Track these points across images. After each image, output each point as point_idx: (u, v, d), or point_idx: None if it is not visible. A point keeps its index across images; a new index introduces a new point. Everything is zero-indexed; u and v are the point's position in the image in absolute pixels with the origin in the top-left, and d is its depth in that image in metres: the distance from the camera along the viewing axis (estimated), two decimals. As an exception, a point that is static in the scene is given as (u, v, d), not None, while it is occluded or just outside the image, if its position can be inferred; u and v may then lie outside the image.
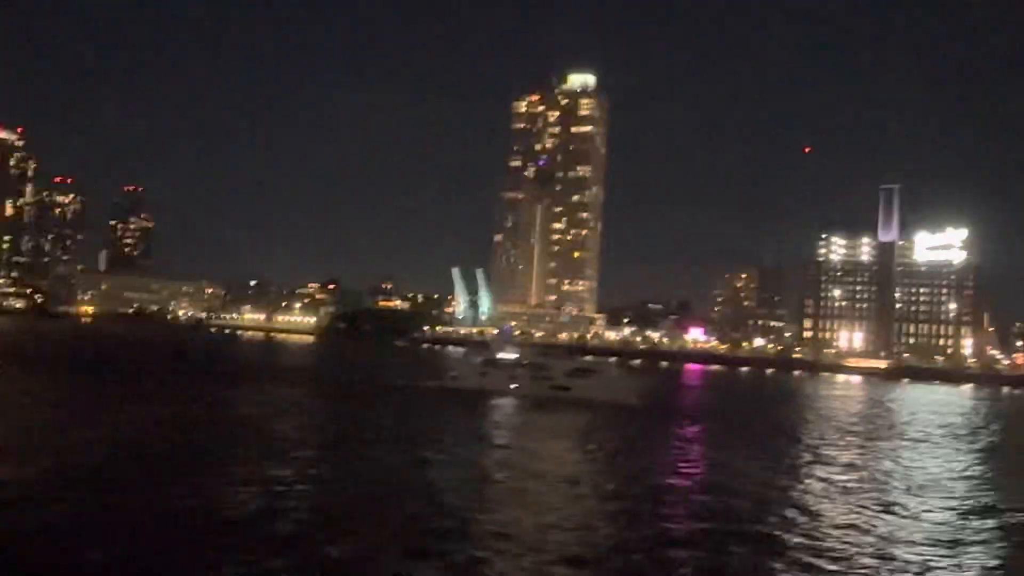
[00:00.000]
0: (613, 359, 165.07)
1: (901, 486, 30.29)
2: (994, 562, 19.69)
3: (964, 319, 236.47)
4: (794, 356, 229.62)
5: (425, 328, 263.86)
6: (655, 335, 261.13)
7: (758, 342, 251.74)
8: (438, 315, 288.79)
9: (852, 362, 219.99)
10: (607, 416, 48.06)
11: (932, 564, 18.76)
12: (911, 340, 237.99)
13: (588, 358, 66.77)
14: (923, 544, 21.01)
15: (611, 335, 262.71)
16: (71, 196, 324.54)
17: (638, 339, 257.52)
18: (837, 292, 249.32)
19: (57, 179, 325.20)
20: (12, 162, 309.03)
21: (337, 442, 35.23)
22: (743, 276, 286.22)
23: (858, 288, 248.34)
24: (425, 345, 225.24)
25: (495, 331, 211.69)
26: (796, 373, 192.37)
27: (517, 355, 63.88)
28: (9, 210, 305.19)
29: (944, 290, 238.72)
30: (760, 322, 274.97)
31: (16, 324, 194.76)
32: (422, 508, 21.68)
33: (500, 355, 63.60)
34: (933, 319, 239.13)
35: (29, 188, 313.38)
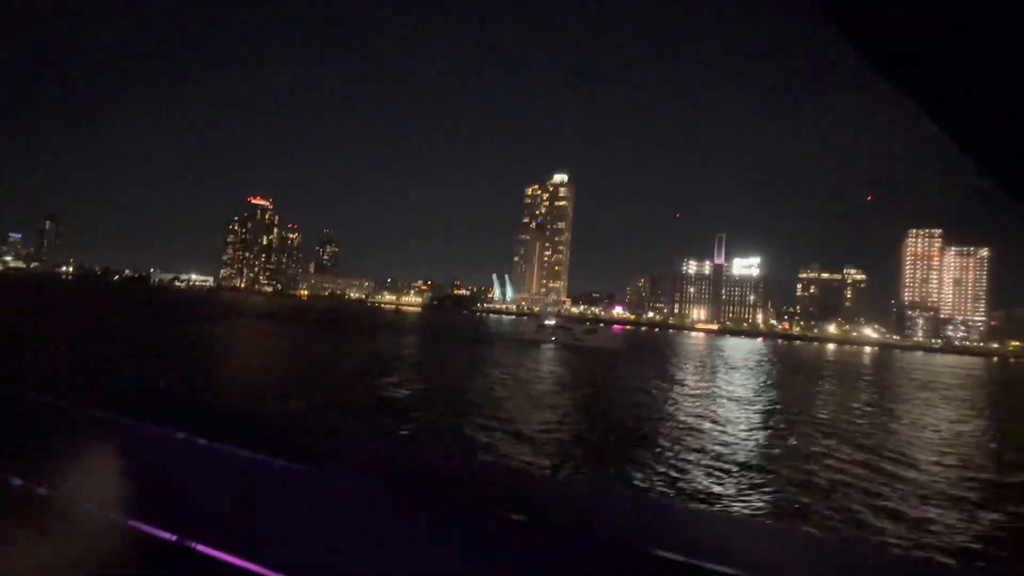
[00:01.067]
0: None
1: (722, 390, 34.96)
2: (760, 423, 23.65)
3: (757, 303, 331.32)
4: (669, 322, 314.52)
5: (478, 305, 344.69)
6: (596, 310, 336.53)
7: (650, 315, 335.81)
8: (484, 298, 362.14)
9: (699, 326, 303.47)
10: (598, 355, 55.72)
11: (735, 421, 23.29)
12: (730, 315, 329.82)
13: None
14: (731, 413, 25.66)
15: (573, 310, 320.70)
16: (296, 234, 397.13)
17: (587, 312, 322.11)
18: (692, 289, 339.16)
19: (289, 224, 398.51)
20: (266, 216, 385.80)
21: (439, 362, 40.20)
22: (642, 280, 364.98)
23: (703, 287, 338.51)
24: (478, 314, 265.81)
25: (535, 307, 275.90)
26: (670, 331, 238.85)
27: (554, 321, 75.93)
28: (265, 241, 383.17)
29: (747, 288, 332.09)
30: (650, 304, 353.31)
31: (268, 300, 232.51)
32: (475, 397, 24.59)
33: (545, 321, 75.05)
34: (742, 303, 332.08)
35: (276, 231, 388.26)
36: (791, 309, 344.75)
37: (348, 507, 0.67)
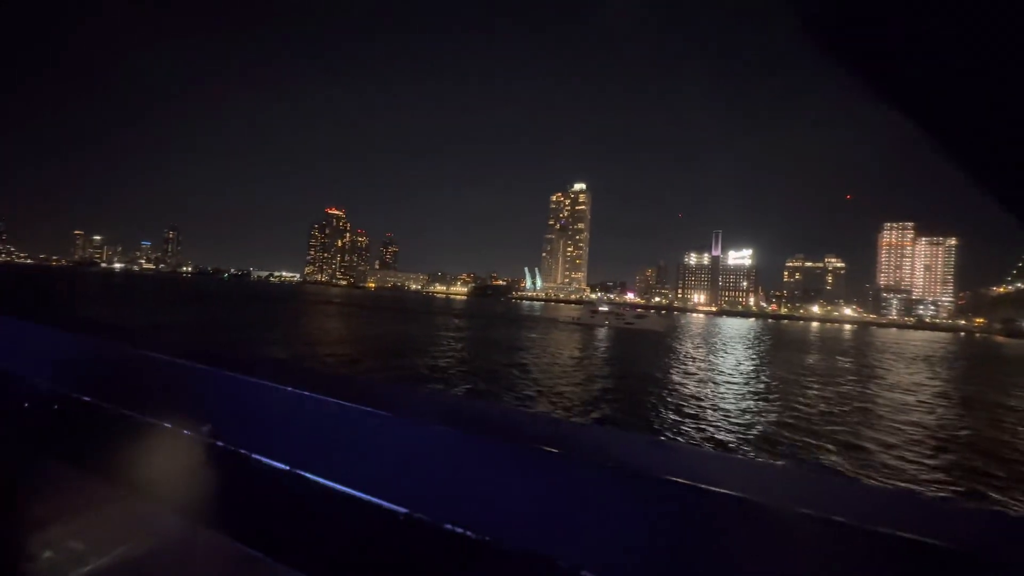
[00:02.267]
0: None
1: (719, 362, 33.25)
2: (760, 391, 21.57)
3: (749, 288, 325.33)
4: (674, 305, 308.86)
5: (512, 293, 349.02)
6: (611, 295, 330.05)
7: (656, 299, 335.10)
8: (517, 287, 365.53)
9: (700, 308, 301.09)
10: (649, 335, 53.58)
11: (729, 389, 21.84)
12: (726, 298, 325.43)
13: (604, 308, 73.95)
14: (725, 383, 23.89)
15: (592, 296, 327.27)
16: (364, 238, 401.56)
17: (604, 298, 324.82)
18: (692, 277, 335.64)
19: (358, 231, 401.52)
20: (340, 223, 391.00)
21: (481, 341, 37.62)
22: (649, 270, 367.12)
23: (702, 275, 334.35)
24: (513, 301, 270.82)
25: (560, 295, 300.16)
26: (674, 313, 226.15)
27: (607, 307, 73.64)
28: (339, 244, 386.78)
29: (740, 275, 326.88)
30: (656, 290, 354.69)
31: (344, 291, 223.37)
32: (513, 372, 23.14)
33: (599, 307, 71.97)
34: (736, 288, 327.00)
35: (348, 235, 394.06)
36: (778, 293, 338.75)
37: (419, 445, 0.67)
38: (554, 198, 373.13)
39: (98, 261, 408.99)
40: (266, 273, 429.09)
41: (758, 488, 0.54)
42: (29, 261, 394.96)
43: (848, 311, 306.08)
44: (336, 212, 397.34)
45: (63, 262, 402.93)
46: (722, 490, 0.48)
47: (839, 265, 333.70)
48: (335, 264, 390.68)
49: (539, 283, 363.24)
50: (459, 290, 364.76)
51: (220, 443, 0.81)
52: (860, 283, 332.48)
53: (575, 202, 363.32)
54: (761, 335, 79.36)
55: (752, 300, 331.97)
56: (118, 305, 48.99)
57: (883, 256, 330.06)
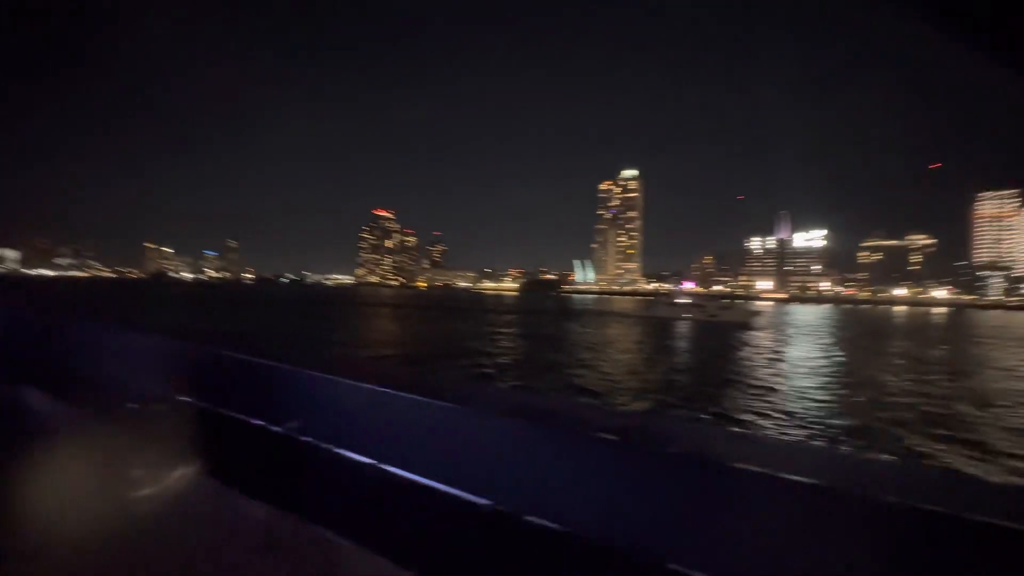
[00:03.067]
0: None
1: (792, 353, 30.87)
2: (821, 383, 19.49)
3: (822, 273, 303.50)
4: (736, 294, 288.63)
5: (563, 287, 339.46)
6: (667, 286, 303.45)
7: (716, 288, 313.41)
8: (567, 281, 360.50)
9: (766, 295, 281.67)
10: (736, 328, 47.27)
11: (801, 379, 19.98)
12: (795, 284, 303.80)
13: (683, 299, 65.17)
14: (798, 371, 22.58)
15: (647, 286, 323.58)
16: (412, 238, 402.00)
17: (660, 288, 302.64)
18: (757, 264, 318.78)
19: (406, 231, 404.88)
20: (388, 225, 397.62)
21: (550, 341, 34.40)
22: (707, 257, 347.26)
23: (767, 261, 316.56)
24: (564, 295, 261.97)
25: (613, 286, 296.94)
26: (736, 301, 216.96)
27: (687, 299, 65.00)
28: (389, 245, 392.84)
29: (811, 259, 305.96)
30: (715, 278, 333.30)
31: (395, 292, 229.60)
32: (565, 362, 22.81)
33: (678, 300, 64.74)
34: (806, 273, 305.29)
35: (396, 236, 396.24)
36: (854, 276, 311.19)
37: (496, 438, 0.70)
38: (603, 187, 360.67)
39: (170, 272, 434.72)
40: (321, 276, 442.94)
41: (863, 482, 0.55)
42: (110, 275, 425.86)
43: (940, 293, 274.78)
44: (384, 214, 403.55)
45: (139, 274, 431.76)
46: (811, 480, 0.48)
47: (926, 242, 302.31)
48: (386, 265, 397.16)
49: (591, 275, 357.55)
50: (508, 286, 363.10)
51: (308, 438, 0.83)
52: (951, 261, 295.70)
53: (626, 190, 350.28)
54: (853, 323, 70.20)
55: (825, 285, 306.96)
56: (198, 312, 49.50)
57: (979, 230, 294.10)
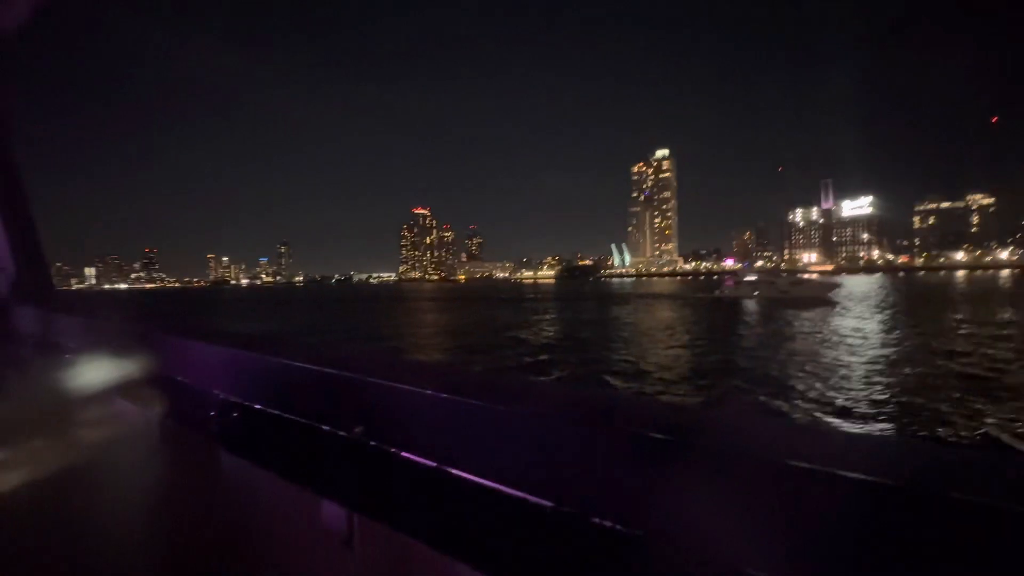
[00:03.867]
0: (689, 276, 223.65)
1: (848, 322, 28.77)
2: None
3: (871, 241, 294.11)
4: (780, 268, 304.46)
5: (600, 272, 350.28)
6: (706, 264, 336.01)
7: (758, 263, 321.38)
8: (604, 266, 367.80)
9: (813, 268, 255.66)
10: (812, 304, 41.57)
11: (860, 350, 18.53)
12: (842, 255, 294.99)
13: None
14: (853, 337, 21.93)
15: (686, 266, 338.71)
16: (450, 233, 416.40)
17: (700, 267, 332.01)
18: (800, 237, 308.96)
19: (444, 226, 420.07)
20: (426, 221, 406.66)
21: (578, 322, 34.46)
22: (747, 232, 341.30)
23: (811, 232, 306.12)
24: (602, 280, 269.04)
25: (652, 268, 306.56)
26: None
27: (755, 276, 59.88)
28: (428, 241, 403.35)
29: (859, 227, 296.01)
30: (756, 253, 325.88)
31: (437, 286, 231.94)
32: (603, 347, 21.86)
33: (746, 278, 59.92)
34: (854, 242, 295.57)
35: (435, 232, 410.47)
36: (907, 242, 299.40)
37: (556, 438, 0.65)
38: (635, 169, 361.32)
39: (229, 279, 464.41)
40: (366, 275, 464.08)
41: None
42: (176, 284, 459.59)
43: (1004, 255, 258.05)
44: (422, 211, 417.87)
45: (202, 283, 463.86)
46: (872, 478, 0.45)
47: (986, 203, 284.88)
48: (426, 260, 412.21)
49: (627, 259, 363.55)
50: (546, 274, 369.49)
51: (373, 443, 0.88)
52: (1016, 222, 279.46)
53: (658, 170, 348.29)
54: (921, 293, 64.96)
55: (876, 253, 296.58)
56: (261, 318, 52.69)
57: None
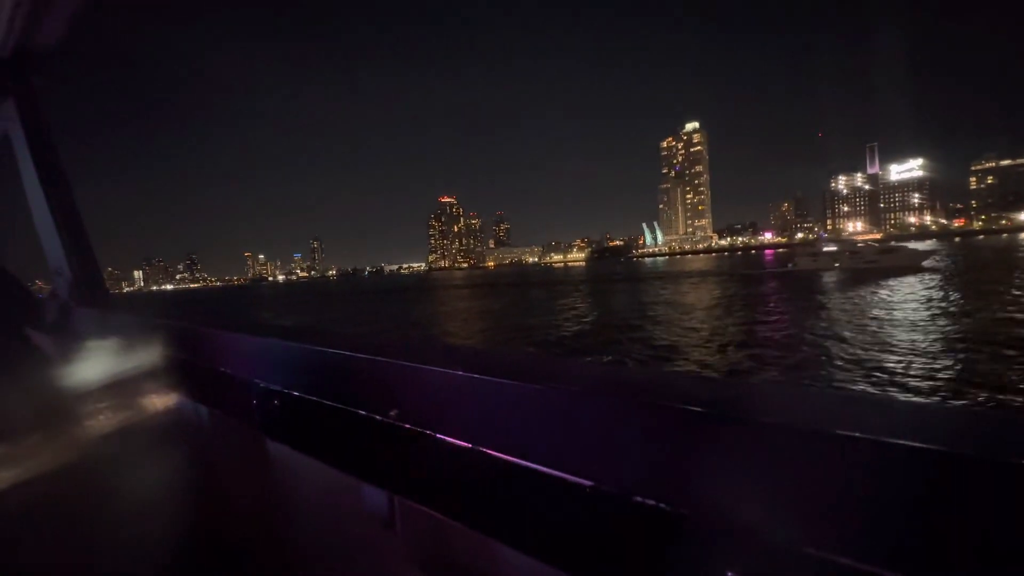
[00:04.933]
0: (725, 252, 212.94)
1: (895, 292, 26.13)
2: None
3: (923, 205, 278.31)
4: (823, 240, 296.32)
5: (632, 252, 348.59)
6: (742, 239, 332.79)
7: (799, 236, 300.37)
8: (635, 245, 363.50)
9: (860, 237, 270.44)
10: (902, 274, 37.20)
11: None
12: (892, 221, 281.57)
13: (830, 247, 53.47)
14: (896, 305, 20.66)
15: (721, 242, 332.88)
16: (476, 220, 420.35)
17: (737, 242, 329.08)
18: (844, 205, 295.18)
19: (471, 213, 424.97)
20: (453, 210, 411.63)
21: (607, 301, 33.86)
22: (785, 204, 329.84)
23: (857, 199, 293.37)
24: (635, 260, 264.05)
25: (685, 246, 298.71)
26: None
27: (834, 247, 53.63)
28: (455, 229, 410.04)
29: (908, 192, 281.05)
30: (797, 225, 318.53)
31: (466, 273, 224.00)
32: (641, 328, 20.12)
33: (824, 248, 54.24)
34: (904, 208, 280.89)
35: (462, 220, 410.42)
36: (961, 205, 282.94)
37: (591, 417, 0.67)
38: (664, 144, 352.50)
39: (266, 276, 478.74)
40: (396, 266, 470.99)
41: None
42: (218, 283, 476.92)
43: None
44: (448, 200, 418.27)
45: (241, 280, 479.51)
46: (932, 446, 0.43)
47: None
48: (454, 249, 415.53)
49: (660, 237, 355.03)
50: (576, 256, 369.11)
51: (407, 425, 0.89)
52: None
53: (689, 144, 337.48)
54: (986, 257, 56.52)
55: (928, 218, 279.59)
56: (298, 311, 52.62)
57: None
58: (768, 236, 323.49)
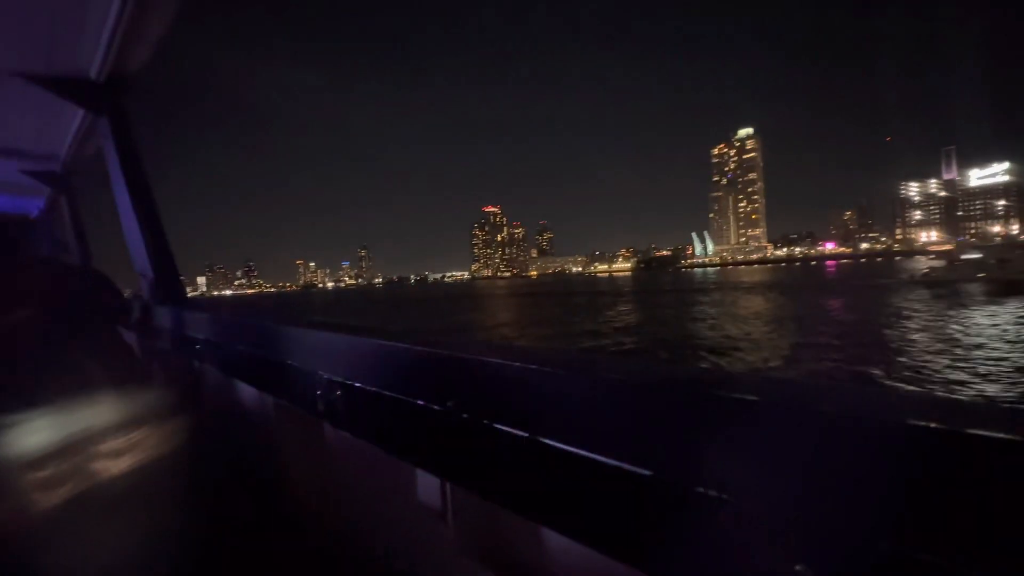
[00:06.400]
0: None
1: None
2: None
3: (1010, 213, 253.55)
4: (894, 249, 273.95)
5: (680, 262, 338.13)
6: (798, 249, 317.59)
7: (864, 246, 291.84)
8: (683, 256, 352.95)
9: (934, 248, 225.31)
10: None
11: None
12: (971, 231, 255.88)
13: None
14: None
15: (777, 252, 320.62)
16: (520, 229, 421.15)
17: (795, 252, 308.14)
18: (916, 213, 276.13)
19: (514, 223, 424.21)
20: (496, 219, 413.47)
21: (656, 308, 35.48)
22: (848, 212, 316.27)
23: (930, 207, 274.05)
24: (683, 271, 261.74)
25: (737, 256, 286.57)
26: (896, 259, 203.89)
27: (979, 254, 48.20)
28: (499, 238, 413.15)
29: (992, 198, 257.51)
30: (861, 235, 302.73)
31: (509, 282, 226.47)
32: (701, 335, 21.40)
33: (963, 256, 49.53)
34: (985, 216, 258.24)
35: (505, 229, 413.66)
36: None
37: (650, 409, 0.67)
38: (716, 151, 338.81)
39: (316, 283, 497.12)
40: (440, 275, 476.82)
41: None
42: (273, 289, 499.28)
43: None
44: (492, 209, 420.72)
45: (293, 287, 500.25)
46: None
47: None
48: (497, 258, 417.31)
49: (710, 247, 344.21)
50: (622, 266, 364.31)
51: (465, 415, 0.91)
52: None
53: (742, 151, 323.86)
54: None
55: (1015, 227, 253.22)
56: (350, 313, 55.47)
57: None
58: (830, 246, 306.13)
